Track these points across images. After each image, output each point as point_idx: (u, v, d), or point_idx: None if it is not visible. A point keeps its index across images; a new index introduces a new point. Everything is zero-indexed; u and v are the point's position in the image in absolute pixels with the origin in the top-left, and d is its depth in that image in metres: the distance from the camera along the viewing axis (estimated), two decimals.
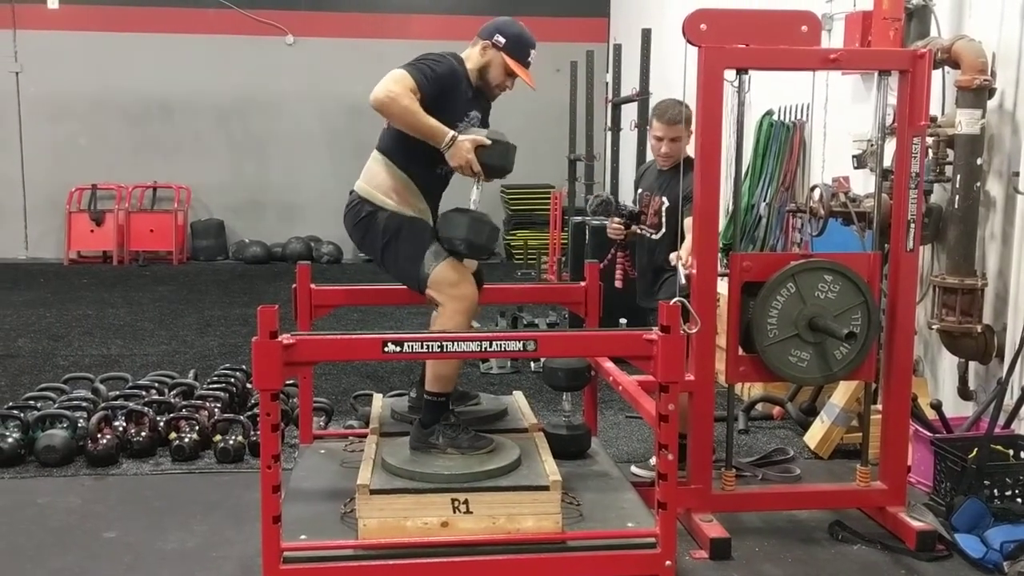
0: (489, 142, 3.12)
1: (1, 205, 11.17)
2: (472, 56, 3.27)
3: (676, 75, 3.58)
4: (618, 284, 4.21)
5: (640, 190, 4.26)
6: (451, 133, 3.08)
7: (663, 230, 4.06)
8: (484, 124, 3.30)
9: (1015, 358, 3.79)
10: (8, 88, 11.03)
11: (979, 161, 4.06)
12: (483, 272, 3.36)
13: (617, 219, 4.19)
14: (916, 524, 3.41)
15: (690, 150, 3.74)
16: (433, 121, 3.06)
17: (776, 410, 4.95)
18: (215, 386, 4.89)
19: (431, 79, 3.09)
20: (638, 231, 4.19)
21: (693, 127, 3.71)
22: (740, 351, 3.48)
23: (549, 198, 9.76)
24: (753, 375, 3.57)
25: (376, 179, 3.22)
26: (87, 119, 11.20)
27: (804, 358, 3.43)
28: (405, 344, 2.73)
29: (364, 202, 3.23)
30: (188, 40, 11.09)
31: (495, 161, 3.16)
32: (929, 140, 4.07)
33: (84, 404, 4.57)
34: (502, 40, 3.22)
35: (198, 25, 11.09)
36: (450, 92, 3.15)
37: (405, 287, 3.36)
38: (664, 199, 4.05)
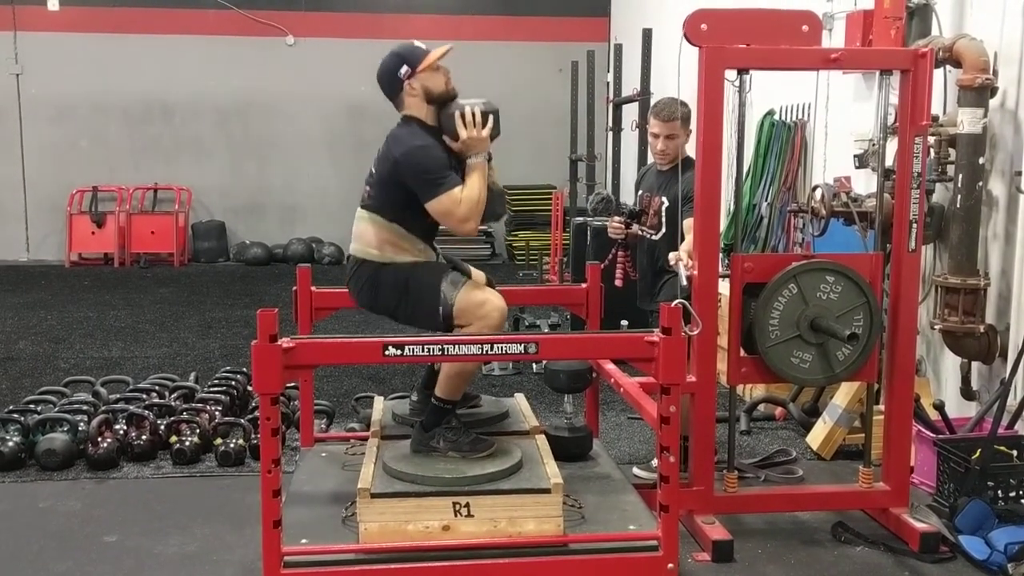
0: (490, 114, 3.11)
1: (2, 207, 11.17)
2: (414, 105, 3.16)
3: (676, 75, 3.57)
4: (618, 283, 4.21)
5: (640, 191, 4.26)
6: (480, 159, 3.10)
7: (663, 230, 4.07)
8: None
9: (1018, 358, 3.78)
10: (9, 90, 11.04)
11: (981, 160, 4.04)
12: (493, 280, 3.32)
13: (618, 218, 4.21)
14: (919, 526, 3.40)
15: (690, 150, 3.74)
16: (473, 182, 3.07)
17: (778, 411, 4.94)
18: (216, 389, 4.88)
19: (443, 165, 3.07)
20: (639, 232, 4.19)
21: (693, 126, 3.76)
22: (742, 352, 3.47)
23: (550, 198, 9.76)
24: (755, 376, 3.56)
25: (368, 237, 3.15)
26: (88, 121, 11.21)
27: (806, 359, 3.42)
28: (406, 347, 2.72)
29: (364, 263, 3.15)
30: (188, 41, 11.10)
31: (496, 131, 3.16)
32: (931, 139, 4.05)
33: (85, 407, 4.57)
34: (405, 68, 3.13)
35: (198, 26, 11.09)
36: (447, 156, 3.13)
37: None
38: (664, 199, 4.05)
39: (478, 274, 3.26)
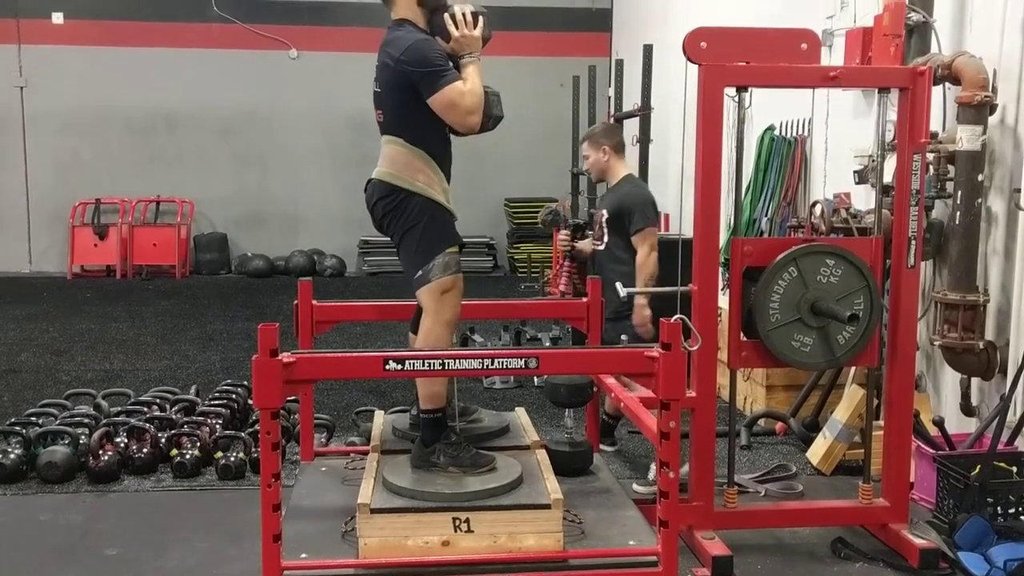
0: (480, 15, 3.15)
1: (5, 219, 11.21)
2: (405, 6, 3.15)
3: (678, 90, 3.60)
4: (563, 289, 4.63)
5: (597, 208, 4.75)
6: (473, 58, 3.12)
7: (605, 239, 4.57)
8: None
9: (1018, 374, 3.78)
10: (13, 102, 11.09)
11: (980, 177, 4.06)
12: None
13: (565, 232, 4.71)
14: (919, 542, 3.40)
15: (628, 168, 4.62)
16: (472, 76, 3.08)
17: (778, 426, 4.94)
18: (216, 402, 4.89)
19: (444, 57, 3.08)
20: (592, 244, 4.67)
21: (608, 146, 4.58)
22: (742, 337, 3.47)
23: None
24: (756, 360, 3.54)
25: (399, 162, 3.14)
26: (91, 133, 11.26)
27: (807, 343, 3.41)
28: (407, 362, 2.73)
29: (390, 188, 3.14)
30: (192, 54, 11.15)
31: (488, 33, 3.20)
32: (930, 156, 4.08)
33: (86, 420, 4.58)
34: None
35: (202, 39, 11.15)
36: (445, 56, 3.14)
37: (407, 297, 3.33)
38: (604, 211, 4.49)
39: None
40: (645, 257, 4.43)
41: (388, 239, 3.26)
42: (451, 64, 3.09)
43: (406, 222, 3.15)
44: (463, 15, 3.11)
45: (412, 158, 3.14)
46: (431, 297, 3.12)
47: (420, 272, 3.12)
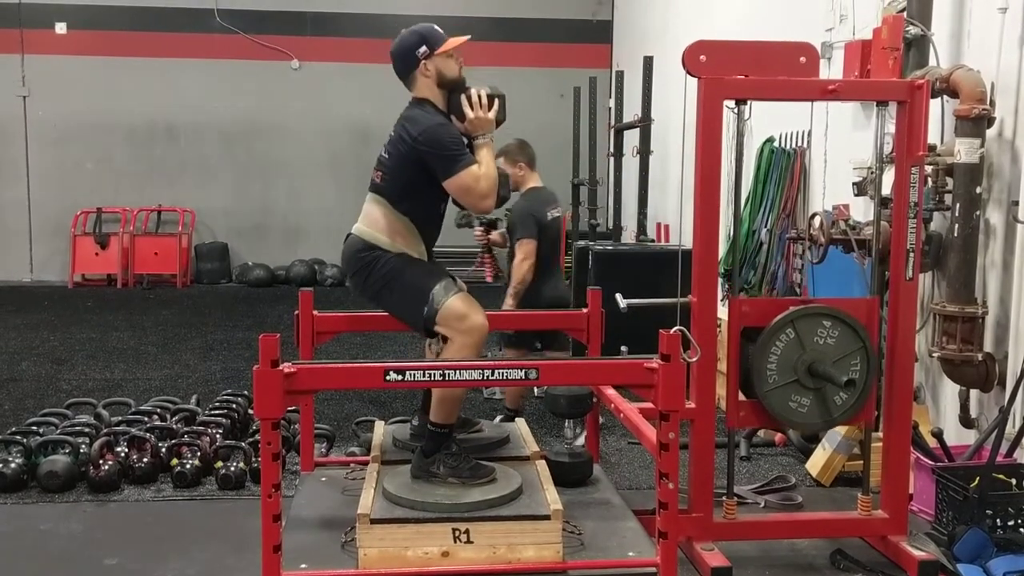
0: (496, 98, 3.24)
1: (7, 228, 11.23)
2: (425, 87, 3.25)
3: (678, 102, 3.62)
4: (488, 279, 5.31)
5: None
6: (486, 139, 3.21)
7: (509, 243, 5.07)
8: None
9: (1017, 386, 3.79)
10: (15, 112, 11.13)
11: (978, 190, 4.07)
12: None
13: (479, 227, 5.19)
14: (918, 554, 3.40)
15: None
16: (485, 159, 3.16)
17: (778, 437, 4.95)
18: (217, 412, 4.90)
19: (461, 143, 3.17)
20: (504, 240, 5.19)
21: (523, 161, 5.12)
22: (741, 396, 3.49)
23: None
24: (754, 420, 3.58)
25: (378, 222, 3.22)
26: (93, 143, 11.29)
27: (804, 403, 3.44)
28: (407, 373, 2.74)
29: (366, 244, 3.22)
30: (194, 65, 11.19)
31: (503, 116, 3.30)
32: (928, 168, 4.09)
33: (86, 430, 4.58)
34: (424, 48, 3.22)
35: (204, 50, 11.20)
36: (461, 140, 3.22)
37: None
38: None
39: (460, 284, 3.33)
40: (519, 263, 4.87)
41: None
42: (467, 148, 3.17)
43: (386, 275, 3.19)
44: (479, 97, 3.19)
45: (395, 222, 3.21)
46: (449, 327, 3.11)
47: (425, 310, 3.12)
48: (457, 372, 2.78)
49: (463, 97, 3.20)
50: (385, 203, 3.22)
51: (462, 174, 3.10)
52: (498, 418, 4.22)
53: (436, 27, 3.30)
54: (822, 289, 4.95)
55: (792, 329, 3.40)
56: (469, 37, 3.31)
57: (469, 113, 3.18)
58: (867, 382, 3.44)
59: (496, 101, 3.22)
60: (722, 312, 4.02)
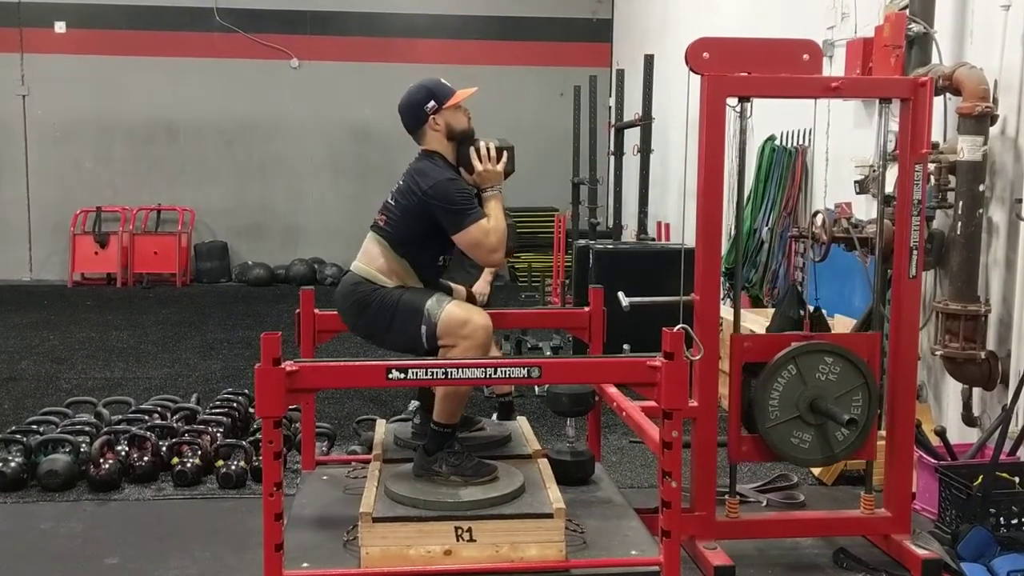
0: (505, 150, 3.25)
1: (6, 227, 11.22)
2: (435, 140, 3.26)
3: (678, 100, 3.61)
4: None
5: None
6: (495, 191, 3.22)
7: None
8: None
9: (1020, 384, 3.78)
10: (15, 111, 11.12)
11: (981, 188, 4.06)
12: (474, 296, 3.40)
13: None
14: (921, 552, 3.39)
15: None
16: (493, 213, 3.17)
17: None
18: (217, 411, 4.89)
19: (470, 197, 3.18)
20: None
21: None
22: (743, 431, 3.49)
23: (553, 221, 9.79)
24: (755, 455, 3.57)
25: (376, 260, 3.22)
26: (92, 142, 11.28)
27: (806, 439, 3.45)
28: (409, 371, 2.73)
29: (363, 281, 3.21)
30: (193, 64, 11.19)
31: (511, 167, 3.31)
32: (931, 166, 4.08)
33: (87, 428, 4.57)
34: (432, 103, 3.22)
35: (203, 49, 11.19)
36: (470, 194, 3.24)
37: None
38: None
39: (459, 289, 3.34)
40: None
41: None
42: (476, 202, 3.18)
43: (382, 306, 3.17)
44: (487, 149, 3.21)
45: (393, 263, 3.21)
46: (453, 335, 3.08)
47: (424, 328, 3.10)
48: (459, 370, 2.77)
49: (472, 150, 3.21)
50: (386, 245, 3.22)
51: (471, 228, 3.11)
52: (494, 415, 4.21)
53: (443, 81, 3.31)
54: (824, 288, 4.94)
55: (794, 365, 3.40)
56: (476, 89, 3.32)
57: (478, 166, 3.20)
58: (868, 419, 3.45)
59: (505, 153, 3.24)
60: (724, 311, 4.00)
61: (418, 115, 3.24)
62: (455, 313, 3.10)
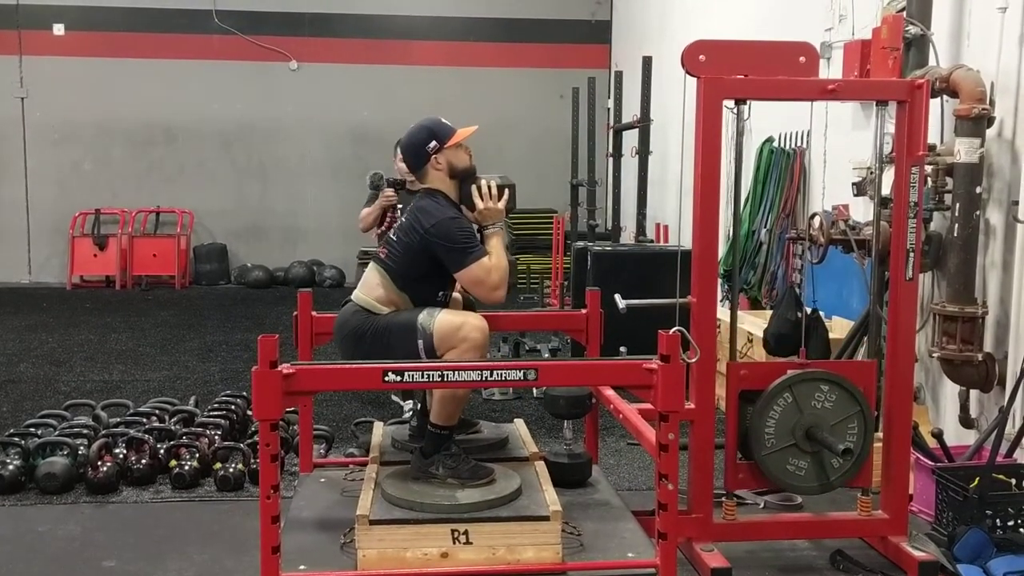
0: (506, 188, 3.31)
1: (5, 229, 11.21)
2: (437, 179, 3.29)
3: (677, 102, 3.62)
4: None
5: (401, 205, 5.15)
6: (496, 228, 3.27)
7: None
8: None
9: (1016, 386, 3.79)
10: (13, 113, 11.11)
11: (978, 190, 4.07)
12: (473, 302, 3.41)
13: (389, 189, 5.27)
14: (918, 554, 3.39)
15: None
16: (495, 250, 3.22)
17: None
18: (216, 413, 4.89)
19: (472, 235, 3.23)
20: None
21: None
22: (739, 457, 3.50)
23: (551, 223, 9.80)
24: (751, 483, 3.58)
25: (375, 291, 3.25)
26: (91, 144, 11.28)
27: (802, 467, 3.45)
28: (405, 374, 2.73)
29: (360, 310, 3.24)
30: (192, 66, 11.18)
31: (512, 204, 3.37)
32: (928, 168, 4.09)
33: (85, 431, 4.57)
34: (433, 143, 3.26)
35: (202, 51, 11.19)
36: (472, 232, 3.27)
37: None
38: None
39: (455, 298, 3.36)
40: None
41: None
42: (478, 240, 3.23)
43: (378, 332, 3.18)
44: (488, 187, 3.26)
45: (392, 294, 3.24)
46: (450, 342, 3.09)
47: (420, 343, 3.10)
48: (456, 373, 2.77)
49: (473, 188, 3.26)
50: (387, 277, 3.25)
51: (473, 267, 3.15)
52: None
53: (443, 120, 3.35)
54: (822, 290, 4.95)
55: (790, 393, 3.41)
56: (477, 128, 3.37)
57: (479, 204, 3.25)
58: (864, 447, 3.46)
59: (506, 191, 3.28)
60: (722, 313, 4.01)
61: (420, 155, 3.29)
62: (449, 320, 3.11)
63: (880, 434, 3.65)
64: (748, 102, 3.52)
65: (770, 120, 6.16)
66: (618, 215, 8.26)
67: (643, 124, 7.17)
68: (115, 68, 11.08)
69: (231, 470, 4.25)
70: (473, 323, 3.11)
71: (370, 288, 3.27)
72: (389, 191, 5.46)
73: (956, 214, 4.09)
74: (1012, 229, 4.09)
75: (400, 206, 5.42)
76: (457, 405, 3.14)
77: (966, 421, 4.24)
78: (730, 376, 3.47)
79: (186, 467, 4.28)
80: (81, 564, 3.53)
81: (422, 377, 2.76)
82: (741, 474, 3.51)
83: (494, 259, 3.18)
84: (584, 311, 3.78)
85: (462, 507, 2.90)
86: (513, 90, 11.24)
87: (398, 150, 5.29)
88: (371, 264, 3.35)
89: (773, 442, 3.42)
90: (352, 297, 3.33)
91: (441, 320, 3.11)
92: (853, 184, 4.61)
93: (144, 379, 6.44)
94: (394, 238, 3.31)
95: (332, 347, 5.50)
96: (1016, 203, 4.02)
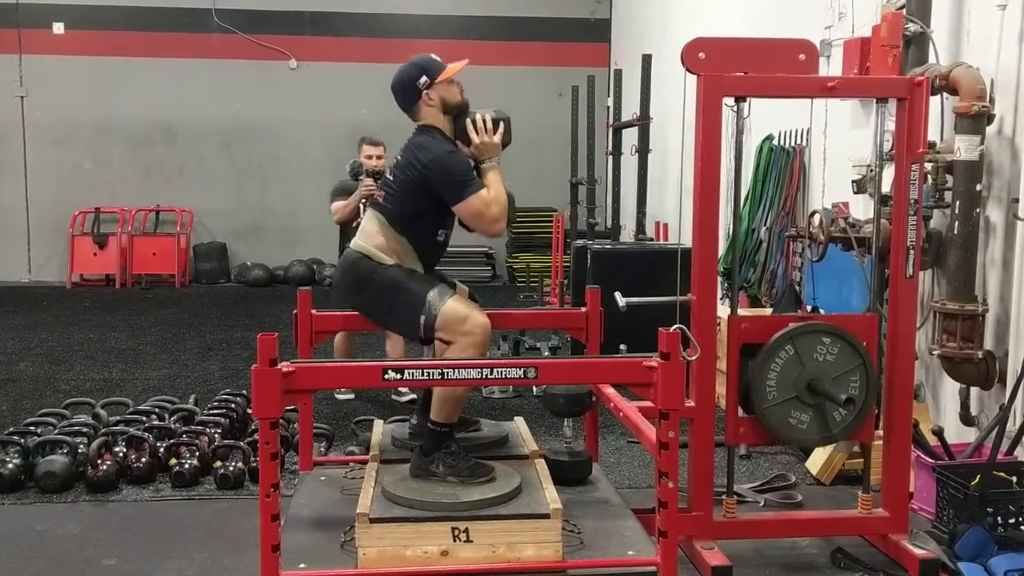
0: (501, 121, 3.26)
1: (5, 228, 11.22)
2: (430, 115, 3.27)
3: (676, 100, 3.61)
4: None
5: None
6: (493, 163, 3.23)
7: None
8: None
9: (1017, 384, 3.78)
10: (13, 112, 11.12)
11: (978, 187, 4.07)
12: (475, 295, 3.41)
13: (367, 179, 5.46)
14: (918, 552, 3.39)
15: None
16: (493, 184, 3.19)
17: None
18: (215, 412, 4.89)
19: (469, 168, 3.21)
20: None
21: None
22: (740, 412, 3.49)
23: (551, 221, 9.79)
24: (752, 437, 3.57)
25: (375, 238, 3.24)
26: (91, 143, 11.28)
27: (803, 420, 3.44)
28: (405, 371, 2.73)
29: (363, 257, 3.23)
30: (192, 65, 11.18)
31: (508, 139, 3.32)
32: (928, 166, 4.08)
33: (84, 430, 4.57)
34: (424, 79, 3.24)
35: (202, 50, 11.19)
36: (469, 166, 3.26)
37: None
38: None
39: (462, 288, 3.34)
40: None
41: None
42: (476, 174, 3.20)
43: (383, 285, 3.18)
44: (483, 121, 3.23)
45: (392, 240, 3.23)
46: (451, 330, 3.09)
47: (423, 318, 3.11)
48: (456, 371, 2.77)
49: (468, 122, 3.23)
50: (384, 222, 3.24)
51: (472, 199, 3.13)
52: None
53: (434, 56, 3.32)
54: (822, 287, 4.95)
55: (792, 346, 3.40)
56: (467, 61, 3.33)
57: (475, 138, 3.21)
58: (866, 399, 3.44)
59: (501, 124, 3.25)
60: (721, 311, 4.00)
61: (411, 92, 3.25)
62: (456, 308, 3.11)
63: (880, 432, 3.65)
64: (748, 100, 3.50)
65: (770, 118, 6.16)
66: (618, 213, 8.26)
67: (643, 122, 7.17)
68: (115, 67, 11.08)
69: (231, 468, 4.25)
70: (478, 319, 3.11)
71: (370, 236, 3.25)
72: (368, 181, 5.49)
73: (956, 212, 4.09)
74: (1012, 226, 4.08)
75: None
76: (457, 403, 3.14)
77: (966, 419, 4.24)
78: (731, 329, 3.45)
79: (186, 465, 4.28)
80: (81, 563, 3.53)
81: (422, 375, 2.76)
82: (742, 428, 3.49)
83: (493, 192, 3.16)
84: (584, 309, 3.78)
85: (462, 505, 2.89)
86: (513, 88, 11.22)
87: (363, 144, 5.56)
88: (368, 211, 3.32)
89: (775, 395, 3.40)
90: (351, 245, 3.31)
91: (450, 305, 3.11)
92: (853, 182, 4.61)
93: (144, 377, 6.44)
94: (391, 178, 3.28)
95: (331, 345, 5.54)
96: (1016, 200, 4.01)
